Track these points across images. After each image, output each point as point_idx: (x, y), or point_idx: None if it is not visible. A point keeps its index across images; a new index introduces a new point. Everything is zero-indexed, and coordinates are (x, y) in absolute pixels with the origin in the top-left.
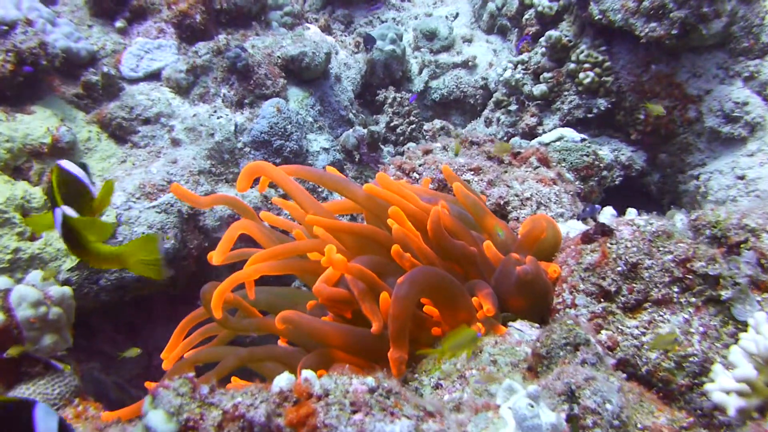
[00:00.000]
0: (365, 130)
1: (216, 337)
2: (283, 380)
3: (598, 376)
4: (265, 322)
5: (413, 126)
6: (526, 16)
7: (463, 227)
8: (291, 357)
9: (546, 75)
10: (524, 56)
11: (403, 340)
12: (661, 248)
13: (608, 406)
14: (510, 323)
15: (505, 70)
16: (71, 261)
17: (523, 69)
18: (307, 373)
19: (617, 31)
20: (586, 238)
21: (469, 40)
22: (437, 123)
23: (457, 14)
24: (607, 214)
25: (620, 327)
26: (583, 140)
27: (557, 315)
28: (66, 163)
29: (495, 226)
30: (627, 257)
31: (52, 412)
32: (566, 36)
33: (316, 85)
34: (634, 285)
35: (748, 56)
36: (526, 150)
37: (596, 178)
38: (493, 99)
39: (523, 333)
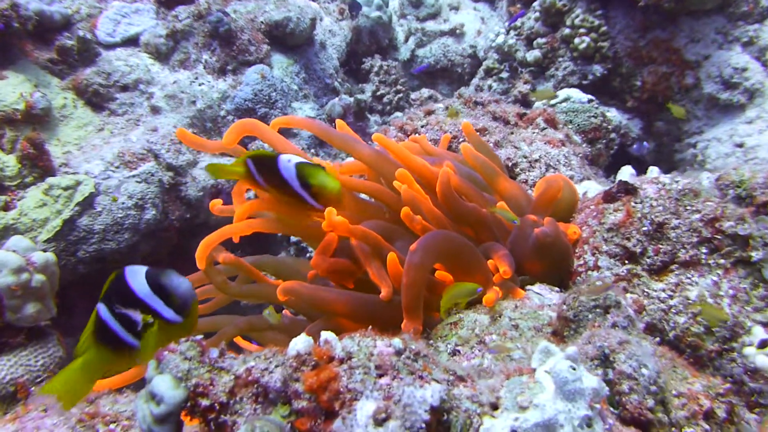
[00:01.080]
0: (351, 99)
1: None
2: (300, 343)
3: (632, 340)
4: (266, 290)
5: (400, 95)
6: None
7: (473, 188)
8: (293, 326)
9: (540, 40)
10: (517, 21)
11: (417, 310)
12: (688, 207)
13: (644, 371)
14: (528, 287)
15: (497, 35)
16: (47, 232)
17: (516, 34)
18: (327, 335)
19: None
20: (609, 196)
21: (456, 8)
22: (425, 92)
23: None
24: (626, 173)
25: (646, 290)
26: (590, 101)
27: (578, 278)
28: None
29: (507, 189)
30: (653, 216)
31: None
32: (561, 1)
33: (301, 52)
34: (660, 246)
35: (747, 21)
36: (533, 111)
37: (604, 141)
38: (483, 66)
39: (543, 297)
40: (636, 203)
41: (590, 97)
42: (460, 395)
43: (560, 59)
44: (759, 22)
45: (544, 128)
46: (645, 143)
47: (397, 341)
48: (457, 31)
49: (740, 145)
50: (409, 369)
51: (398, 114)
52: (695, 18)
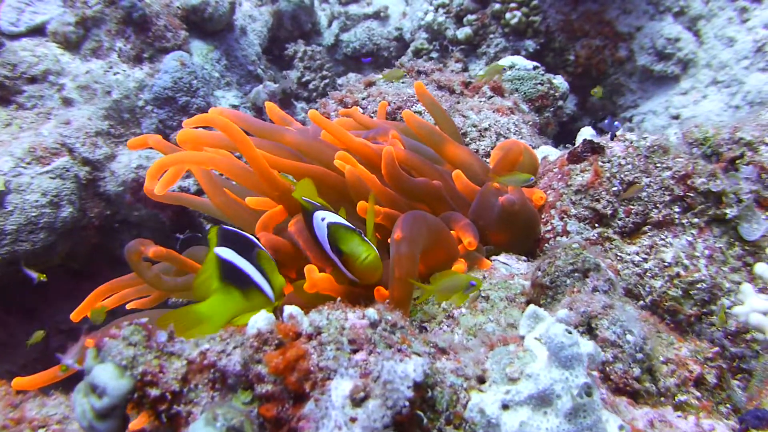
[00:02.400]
0: (276, 86)
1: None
2: (261, 320)
3: (616, 304)
4: None
5: (326, 81)
6: None
7: (422, 160)
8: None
9: (470, 17)
10: None
11: (408, 305)
12: (658, 164)
13: (629, 337)
14: (493, 257)
15: (426, 13)
16: None
17: (444, 12)
18: (291, 309)
19: None
20: (574, 157)
21: None
22: (351, 77)
23: None
24: (587, 133)
25: (619, 254)
26: (535, 68)
27: (546, 245)
28: None
29: (458, 156)
30: (622, 175)
31: None
32: None
33: (221, 38)
34: (632, 206)
35: None
36: (478, 79)
37: (552, 109)
38: (411, 48)
39: (510, 267)
40: (603, 162)
41: (535, 63)
42: (443, 369)
43: (491, 36)
44: None
45: (491, 96)
46: (617, 123)
47: (371, 312)
48: (382, 14)
49: (676, 117)
50: (387, 342)
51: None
52: None
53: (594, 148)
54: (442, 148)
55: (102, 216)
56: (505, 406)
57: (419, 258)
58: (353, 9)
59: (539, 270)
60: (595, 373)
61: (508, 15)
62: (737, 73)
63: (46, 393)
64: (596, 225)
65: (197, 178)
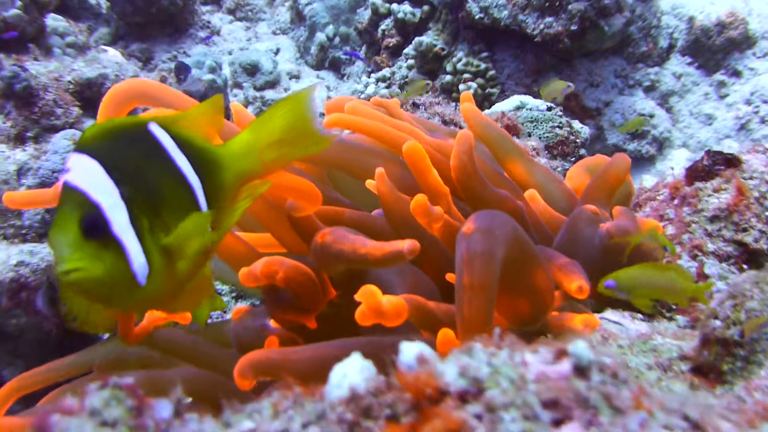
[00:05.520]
0: None
1: None
2: (353, 370)
3: None
4: None
5: None
6: (383, 27)
7: (497, 172)
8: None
9: None
10: (386, 71)
11: (487, 327)
12: None
13: None
14: (596, 314)
15: (366, 86)
16: None
17: (385, 86)
18: (418, 348)
19: (501, 33)
20: (701, 172)
21: (296, 77)
22: None
23: (278, 49)
24: (681, 158)
25: None
26: (550, 108)
27: None
28: None
29: (529, 174)
30: None
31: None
32: (437, 44)
33: None
34: None
35: (647, 63)
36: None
37: (573, 159)
38: None
39: (627, 328)
40: (746, 179)
41: (549, 104)
42: None
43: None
44: (658, 65)
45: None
46: None
47: (579, 348)
48: None
49: None
50: (614, 404)
51: None
52: (592, 60)
53: (728, 160)
54: (512, 162)
55: None
56: None
57: (502, 304)
58: (269, 94)
59: (716, 318)
60: None
61: (461, 87)
62: (678, 165)
63: None
64: (745, 265)
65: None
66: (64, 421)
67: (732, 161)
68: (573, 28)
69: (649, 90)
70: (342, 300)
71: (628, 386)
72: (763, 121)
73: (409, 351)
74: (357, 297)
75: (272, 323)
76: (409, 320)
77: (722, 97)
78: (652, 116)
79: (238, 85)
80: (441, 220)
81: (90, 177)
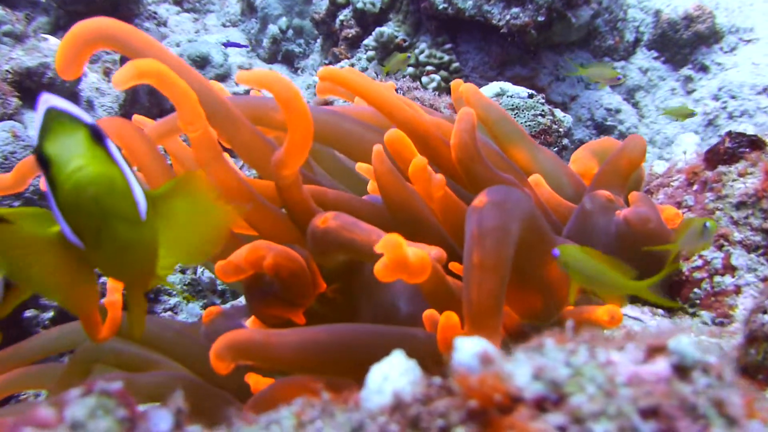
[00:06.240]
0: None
1: None
2: (395, 373)
3: None
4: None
5: None
6: (341, 17)
7: (499, 155)
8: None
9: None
10: (344, 63)
11: (498, 314)
12: None
13: None
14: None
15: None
16: None
17: None
18: (479, 344)
19: (465, 24)
20: (723, 155)
21: (248, 70)
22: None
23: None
24: (690, 143)
25: None
26: (531, 96)
27: (697, 289)
28: None
29: (534, 159)
30: None
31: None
32: (398, 35)
33: None
34: None
35: (613, 57)
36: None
37: (556, 148)
38: None
39: (646, 324)
40: None
41: (530, 91)
42: None
43: None
44: (625, 59)
45: None
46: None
47: (681, 344)
48: (252, 94)
49: None
50: (725, 412)
51: None
52: (558, 53)
53: (753, 142)
54: (515, 146)
55: None
56: None
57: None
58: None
59: (764, 313)
60: None
61: (425, 79)
62: (687, 149)
63: None
64: None
65: None
66: None
67: (757, 143)
68: (540, 19)
69: (614, 84)
70: (336, 294)
71: (737, 390)
72: (730, 116)
73: (468, 348)
74: (378, 248)
75: (248, 324)
76: (421, 287)
77: (689, 92)
78: (618, 111)
79: None
80: (442, 189)
81: (74, 108)
